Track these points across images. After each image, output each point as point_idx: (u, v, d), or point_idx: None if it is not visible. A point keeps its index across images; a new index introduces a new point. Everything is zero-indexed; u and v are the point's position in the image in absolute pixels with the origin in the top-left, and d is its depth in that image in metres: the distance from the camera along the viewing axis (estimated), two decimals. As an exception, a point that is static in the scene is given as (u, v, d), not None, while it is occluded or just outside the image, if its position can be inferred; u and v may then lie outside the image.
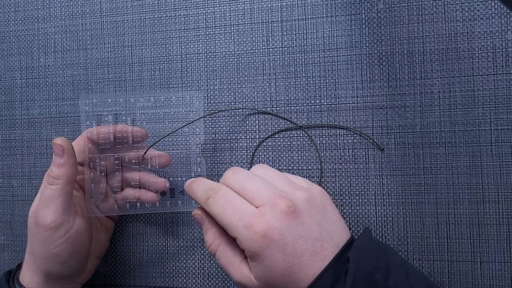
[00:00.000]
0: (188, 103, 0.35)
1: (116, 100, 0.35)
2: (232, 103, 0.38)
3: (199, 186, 0.31)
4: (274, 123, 0.37)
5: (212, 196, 0.29)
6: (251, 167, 0.37)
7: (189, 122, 0.35)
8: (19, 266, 0.34)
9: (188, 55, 0.39)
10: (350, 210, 0.36)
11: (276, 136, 0.37)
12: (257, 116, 0.38)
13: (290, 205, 0.27)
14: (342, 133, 0.36)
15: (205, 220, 0.31)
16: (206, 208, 0.30)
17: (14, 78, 0.42)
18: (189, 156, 0.36)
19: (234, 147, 0.38)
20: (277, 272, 0.27)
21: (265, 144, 0.37)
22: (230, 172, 0.31)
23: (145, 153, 0.34)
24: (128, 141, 0.34)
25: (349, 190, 0.36)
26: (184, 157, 0.36)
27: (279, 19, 0.37)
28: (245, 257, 0.29)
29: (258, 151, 0.37)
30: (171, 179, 0.36)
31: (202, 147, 0.38)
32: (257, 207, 0.28)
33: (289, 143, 0.37)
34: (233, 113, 0.38)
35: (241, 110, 0.38)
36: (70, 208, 0.31)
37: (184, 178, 0.36)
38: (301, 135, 0.37)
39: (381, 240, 0.35)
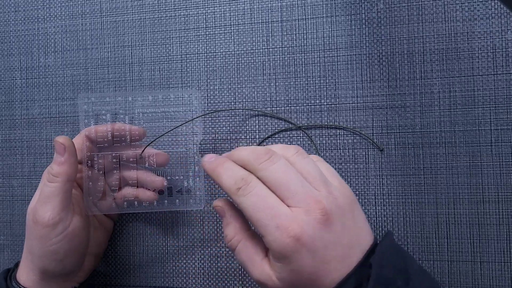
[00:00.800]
0: (187, 102, 0.35)
1: (115, 99, 0.35)
2: (232, 103, 0.38)
3: (226, 172, 0.28)
4: (274, 123, 0.37)
5: (243, 187, 0.27)
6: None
7: (187, 121, 0.35)
8: (17, 265, 0.34)
9: (188, 55, 0.39)
10: (350, 210, 0.36)
11: (276, 136, 0.37)
12: (257, 116, 0.38)
13: (324, 213, 0.26)
14: (342, 133, 0.36)
15: (227, 213, 0.30)
16: (235, 199, 0.28)
17: (14, 78, 0.42)
18: (187, 155, 0.36)
19: (234, 147, 0.38)
20: (303, 276, 0.26)
21: (265, 144, 0.37)
22: (265, 157, 0.28)
23: (142, 151, 0.35)
24: (126, 140, 0.35)
25: (349, 190, 0.36)
26: (182, 156, 0.36)
27: (279, 19, 0.37)
28: (266, 255, 0.28)
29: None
30: (168, 178, 0.36)
31: (200, 146, 0.38)
32: (289, 206, 0.27)
33: (289, 143, 0.37)
34: (233, 113, 0.38)
35: (240, 110, 0.38)
36: (68, 206, 0.32)
37: (182, 177, 0.36)
38: (301, 135, 0.37)
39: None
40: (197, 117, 0.35)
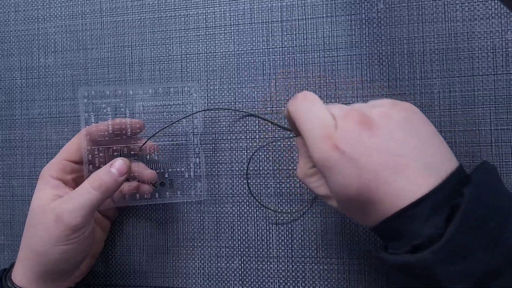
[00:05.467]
0: (187, 94, 0.36)
1: (115, 92, 0.35)
2: (232, 103, 0.38)
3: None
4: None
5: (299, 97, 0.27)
6: (247, 170, 0.37)
7: (188, 115, 0.35)
8: (12, 265, 0.34)
9: (188, 55, 0.39)
10: (350, 210, 0.36)
11: (276, 136, 0.37)
12: (257, 116, 0.38)
13: (363, 116, 0.25)
14: (342, 133, 0.36)
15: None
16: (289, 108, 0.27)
17: (14, 78, 0.42)
18: (187, 147, 0.36)
19: (234, 147, 0.38)
20: (352, 189, 0.24)
21: (265, 144, 0.37)
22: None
23: (143, 145, 0.35)
24: (127, 133, 0.35)
25: (349, 190, 0.36)
26: (183, 148, 0.36)
27: (279, 19, 0.37)
28: None
29: (258, 151, 0.37)
30: (170, 169, 0.36)
31: (201, 139, 0.38)
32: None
33: (289, 143, 0.37)
34: (233, 113, 0.38)
35: (240, 110, 0.38)
36: (94, 213, 0.33)
37: (183, 169, 0.36)
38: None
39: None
40: (197, 112, 0.35)
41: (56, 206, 0.31)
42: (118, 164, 0.32)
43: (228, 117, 0.38)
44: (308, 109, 0.26)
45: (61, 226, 0.30)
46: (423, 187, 0.23)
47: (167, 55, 0.39)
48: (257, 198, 0.37)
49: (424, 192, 0.23)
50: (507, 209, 0.23)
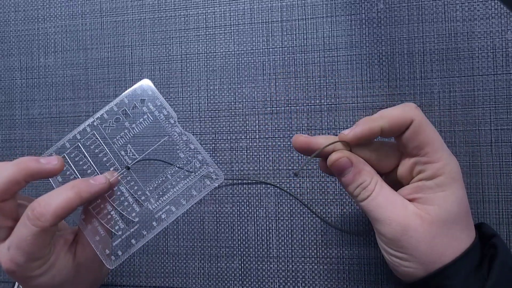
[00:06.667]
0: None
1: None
2: (232, 103, 0.38)
3: (379, 119, 0.26)
4: (274, 123, 0.37)
5: (417, 107, 0.26)
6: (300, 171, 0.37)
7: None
8: None
9: (188, 55, 0.39)
10: (350, 210, 0.36)
11: (276, 136, 0.37)
12: (257, 116, 0.38)
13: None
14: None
15: (355, 159, 0.27)
16: (410, 114, 0.26)
17: (14, 78, 0.42)
18: (171, 139, 0.32)
19: (234, 147, 0.38)
20: (463, 209, 0.25)
21: (265, 144, 0.37)
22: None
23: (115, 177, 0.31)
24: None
25: (349, 190, 0.36)
26: (168, 143, 0.32)
27: (279, 19, 0.37)
28: (406, 198, 0.27)
29: (258, 151, 0.37)
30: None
31: (179, 122, 0.33)
32: None
33: (289, 143, 0.37)
34: (233, 113, 0.38)
35: (241, 110, 0.38)
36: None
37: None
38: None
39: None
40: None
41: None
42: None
43: (228, 117, 0.38)
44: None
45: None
46: (465, 243, 0.25)
47: (167, 55, 0.39)
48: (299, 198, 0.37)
49: (465, 247, 0.25)
50: None
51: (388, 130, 0.26)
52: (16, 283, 0.34)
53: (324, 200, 0.36)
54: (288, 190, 0.37)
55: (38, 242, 0.27)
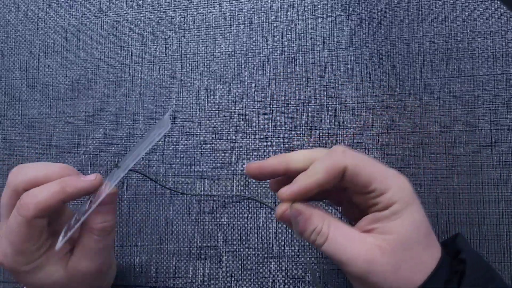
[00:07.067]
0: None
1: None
2: (232, 103, 0.38)
3: (298, 157, 0.27)
4: (274, 123, 0.37)
5: (346, 148, 0.26)
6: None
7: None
8: None
9: (188, 55, 0.39)
10: (350, 210, 0.36)
11: (276, 136, 0.37)
12: (257, 116, 0.38)
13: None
14: (342, 133, 0.36)
15: (301, 207, 0.26)
16: (341, 161, 0.25)
17: (14, 78, 0.42)
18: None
19: (234, 147, 0.38)
20: (422, 230, 0.25)
21: (265, 144, 0.37)
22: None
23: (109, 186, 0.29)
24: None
25: (349, 190, 0.36)
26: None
27: (279, 19, 0.37)
28: (362, 231, 0.26)
29: (258, 151, 0.37)
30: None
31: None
32: None
33: (289, 143, 0.37)
34: (233, 113, 0.38)
35: (241, 110, 0.38)
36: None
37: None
38: (301, 135, 0.37)
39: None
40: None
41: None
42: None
43: (228, 117, 0.38)
44: (363, 155, 0.27)
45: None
46: (431, 264, 0.25)
47: (167, 55, 0.39)
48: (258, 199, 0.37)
49: (432, 267, 0.25)
50: (492, 274, 0.26)
51: (326, 182, 0.26)
52: None
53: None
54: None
55: (23, 233, 0.27)
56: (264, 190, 0.37)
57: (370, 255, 0.25)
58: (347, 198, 0.29)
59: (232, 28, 0.38)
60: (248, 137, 0.38)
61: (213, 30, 0.39)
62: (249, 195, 0.37)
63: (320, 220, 0.26)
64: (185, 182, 0.38)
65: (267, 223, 0.37)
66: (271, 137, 0.37)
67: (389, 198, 0.25)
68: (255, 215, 0.37)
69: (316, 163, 0.26)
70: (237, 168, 0.38)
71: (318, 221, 0.26)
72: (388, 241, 0.25)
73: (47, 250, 0.29)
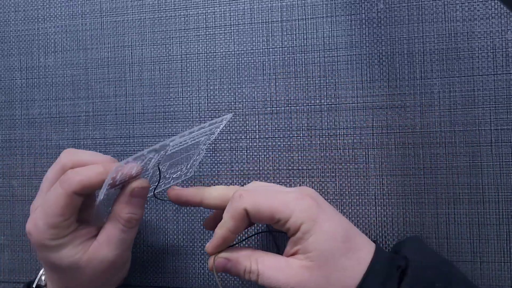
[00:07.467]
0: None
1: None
2: (232, 103, 0.38)
3: (212, 193, 0.31)
4: (274, 123, 0.37)
5: (243, 191, 0.29)
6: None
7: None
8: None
9: (188, 55, 0.39)
10: (350, 210, 0.36)
11: (276, 136, 0.37)
12: (257, 116, 0.38)
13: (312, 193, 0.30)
14: (342, 133, 0.36)
15: (228, 254, 0.29)
16: (240, 206, 0.28)
17: (14, 78, 0.42)
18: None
19: (234, 147, 0.38)
20: (338, 238, 0.27)
21: (265, 144, 0.37)
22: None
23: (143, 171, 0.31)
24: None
25: (349, 190, 0.36)
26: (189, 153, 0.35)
27: (279, 19, 0.37)
28: (287, 256, 0.29)
29: (258, 151, 0.37)
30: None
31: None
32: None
33: (289, 143, 0.37)
34: (233, 113, 0.38)
35: (241, 110, 0.38)
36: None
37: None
38: (301, 135, 0.37)
39: (381, 240, 0.35)
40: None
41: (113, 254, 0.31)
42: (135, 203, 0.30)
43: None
44: (263, 188, 0.32)
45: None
46: (360, 267, 0.26)
47: (167, 55, 0.39)
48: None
49: (364, 268, 0.26)
50: (448, 270, 0.27)
51: (236, 228, 0.29)
52: (39, 273, 0.34)
53: (324, 200, 0.36)
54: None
55: (59, 205, 0.28)
56: (264, 190, 0.37)
57: (299, 277, 0.26)
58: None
59: (232, 28, 0.38)
60: (248, 137, 0.38)
61: (213, 30, 0.39)
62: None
63: (247, 260, 0.29)
64: (185, 182, 0.38)
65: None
66: (271, 137, 0.37)
67: (294, 222, 0.27)
68: (255, 215, 0.37)
69: (224, 213, 0.29)
70: (237, 168, 0.38)
71: (245, 262, 0.29)
72: (311, 259, 0.27)
73: (74, 231, 0.30)
